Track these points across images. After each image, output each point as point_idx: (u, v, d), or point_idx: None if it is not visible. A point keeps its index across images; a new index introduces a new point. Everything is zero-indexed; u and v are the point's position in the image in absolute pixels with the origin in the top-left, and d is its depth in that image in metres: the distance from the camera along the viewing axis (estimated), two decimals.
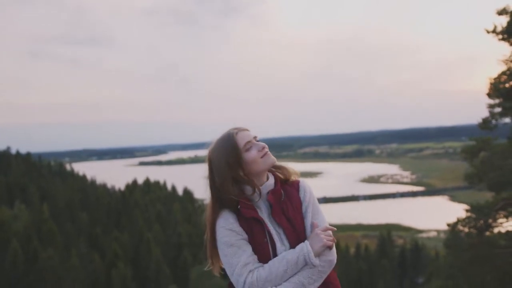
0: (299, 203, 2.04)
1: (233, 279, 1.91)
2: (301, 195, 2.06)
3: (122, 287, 40.34)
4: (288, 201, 2.03)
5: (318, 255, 1.93)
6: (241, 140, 2.05)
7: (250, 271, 1.88)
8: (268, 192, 2.02)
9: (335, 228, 2.04)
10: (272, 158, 2.05)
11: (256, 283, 1.87)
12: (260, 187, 2.00)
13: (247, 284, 1.87)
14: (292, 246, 1.95)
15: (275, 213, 1.98)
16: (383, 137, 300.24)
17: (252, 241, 1.95)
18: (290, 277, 1.90)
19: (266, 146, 2.06)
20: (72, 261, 39.61)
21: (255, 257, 1.92)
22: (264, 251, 1.93)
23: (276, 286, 1.88)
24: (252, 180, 2.00)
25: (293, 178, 2.15)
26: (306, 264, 1.91)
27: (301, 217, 2.02)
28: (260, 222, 1.96)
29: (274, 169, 2.11)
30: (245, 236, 1.95)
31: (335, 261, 1.99)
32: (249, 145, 2.04)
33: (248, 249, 1.93)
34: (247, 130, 2.09)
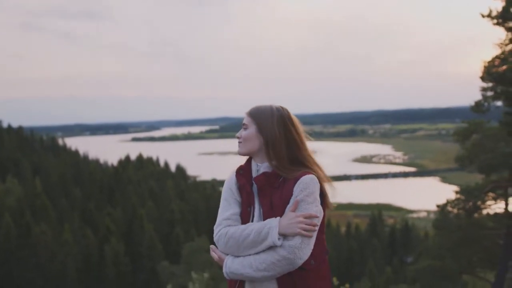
0: (290, 194, 2.01)
1: (214, 227, 2.10)
2: (295, 188, 2.01)
3: (114, 262, 40.64)
4: (279, 189, 2.04)
5: (282, 234, 1.94)
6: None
7: (227, 226, 2.05)
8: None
9: (317, 223, 1.99)
10: (238, 150, 2.16)
11: (223, 237, 2.01)
12: (259, 164, 2.13)
13: (217, 235, 2.05)
14: None
15: (261, 193, 2.06)
16: (377, 117, 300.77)
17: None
18: (246, 254, 1.97)
19: (241, 137, 2.15)
20: (65, 236, 39.80)
21: (238, 217, 2.07)
22: (245, 219, 2.06)
23: (232, 254, 2.00)
24: (254, 153, 2.15)
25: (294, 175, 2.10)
26: (267, 239, 1.93)
27: (285, 207, 2.00)
28: (251, 193, 2.08)
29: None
30: (239, 198, 2.11)
31: (300, 260, 1.94)
32: (245, 126, 2.18)
33: (236, 208, 2.09)
34: (246, 113, 2.19)
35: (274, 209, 2.01)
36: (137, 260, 42.95)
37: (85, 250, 41.22)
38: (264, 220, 2.01)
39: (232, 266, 1.98)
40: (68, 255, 38.54)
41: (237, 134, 2.18)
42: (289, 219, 1.95)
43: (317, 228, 2.00)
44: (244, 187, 2.09)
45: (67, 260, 38.28)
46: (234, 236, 1.99)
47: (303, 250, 1.94)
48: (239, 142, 2.15)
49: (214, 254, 2.08)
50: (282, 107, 2.18)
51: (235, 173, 2.15)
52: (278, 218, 1.97)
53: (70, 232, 40.95)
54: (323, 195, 2.09)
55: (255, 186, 2.08)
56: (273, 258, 1.93)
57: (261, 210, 2.04)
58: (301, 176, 2.03)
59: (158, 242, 44.16)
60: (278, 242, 1.92)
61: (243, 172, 2.13)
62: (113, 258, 40.58)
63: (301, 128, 2.16)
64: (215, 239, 2.05)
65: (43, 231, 38.29)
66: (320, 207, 2.03)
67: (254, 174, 2.11)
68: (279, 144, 2.08)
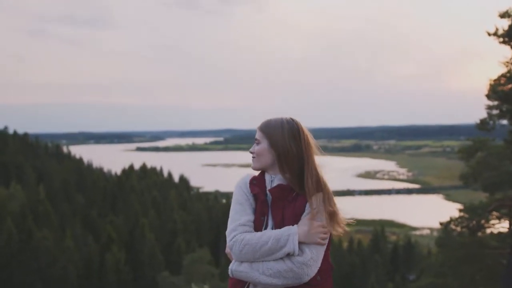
0: (302, 210, 2.06)
1: (227, 232, 2.05)
2: (307, 206, 2.05)
3: (115, 270, 40.51)
4: (292, 203, 2.07)
5: (301, 243, 1.98)
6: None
7: (243, 232, 2.02)
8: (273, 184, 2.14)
9: (327, 231, 2.06)
10: (252, 165, 2.18)
11: (238, 244, 1.98)
12: (273, 176, 2.14)
13: (232, 241, 2.00)
14: None
15: (274, 205, 2.07)
16: (382, 133, 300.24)
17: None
18: (262, 261, 1.98)
19: (254, 152, 2.17)
20: (66, 242, 39.77)
21: (253, 225, 2.05)
22: (257, 228, 2.05)
23: (248, 261, 1.98)
24: (267, 168, 2.17)
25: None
26: (286, 246, 1.95)
27: (295, 222, 2.03)
28: (265, 202, 2.08)
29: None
30: (254, 204, 2.10)
31: (307, 276, 1.99)
32: (257, 141, 2.21)
33: (251, 215, 2.07)
34: (258, 128, 2.21)
35: (284, 222, 2.03)
36: (137, 269, 42.80)
37: (86, 257, 41.15)
38: None
39: (240, 265, 1.99)
40: (69, 261, 38.49)
41: (251, 150, 2.21)
42: (309, 228, 2.00)
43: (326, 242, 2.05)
44: (259, 196, 2.09)
45: (68, 266, 38.21)
46: (250, 242, 1.98)
47: (311, 267, 1.98)
48: (253, 157, 2.18)
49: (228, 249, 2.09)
50: (292, 119, 2.19)
51: (248, 181, 2.15)
52: (295, 225, 2.00)
53: (72, 238, 40.92)
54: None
55: (269, 197, 2.09)
56: (280, 267, 1.96)
57: (273, 222, 2.05)
58: (314, 193, 2.06)
59: (159, 251, 44.05)
60: (297, 250, 1.96)
61: (256, 182, 2.13)
62: (113, 266, 40.46)
63: (311, 141, 2.19)
64: (229, 244, 2.02)
65: (44, 236, 38.29)
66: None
67: (268, 185, 2.13)
68: (291, 158, 2.10)
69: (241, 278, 2.01)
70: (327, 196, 2.09)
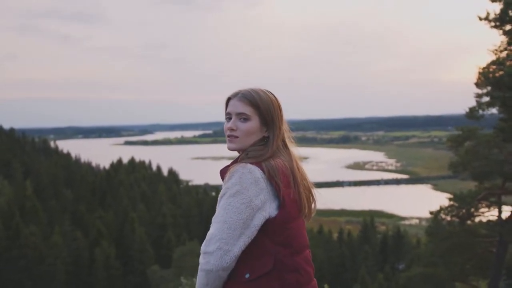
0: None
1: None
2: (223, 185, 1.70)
3: (105, 265, 40.28)
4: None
5: None
6: (230, 106, 1.81)
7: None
8: None
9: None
10: (230, 145, 1.77)
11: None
12: None
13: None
14: None
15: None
16: (370, 124, 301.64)
17: None
18: None
19: (237, 130, 1.75)
20: (55, 239, 39.40)
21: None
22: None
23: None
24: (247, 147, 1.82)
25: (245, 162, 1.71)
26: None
27: None
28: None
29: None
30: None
31: (210, 265, 1.62)
32: (228, 116, 1.81)
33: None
34: (243, 101, 1.76)
35: None
36: (127, 263, 42.60)
37: (75, 253, 40.84)
38: None
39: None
40: (57, 258, 38.14)
41: (230, 126, 1.75)
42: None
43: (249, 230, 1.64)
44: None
45: (57, 263, 37.89)
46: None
47: (213, 254, 1.61)
48: (233, 136, 1.75)
49: None
50: (271, 92, 1.84)
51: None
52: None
53: (60, 234, 40.56)
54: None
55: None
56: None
57: None
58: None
59: (149, 245, 43.86)
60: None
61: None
62: (103, 261, 40.22)
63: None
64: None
65: (32, 232, 37.89)
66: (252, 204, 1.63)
67: None
68: (280, 141, 1.78)
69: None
70: None
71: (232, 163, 1.74)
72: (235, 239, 1.61)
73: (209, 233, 1.65)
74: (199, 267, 1.66)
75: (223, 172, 1.75)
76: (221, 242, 1.60)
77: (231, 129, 1.75)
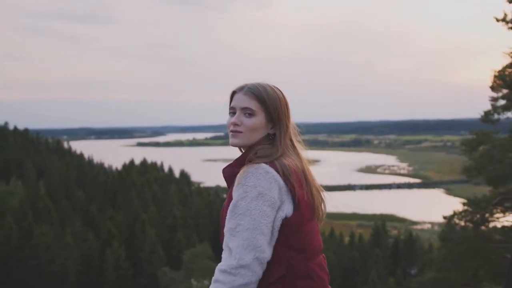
0: (231, 199, 1.59)
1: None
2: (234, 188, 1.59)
3: (115, 266, 40.41)
4: (230, 194, 1.63)
5: None
6: (234, 100, 1.71)
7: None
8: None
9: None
10: (233, 141, 1.68)
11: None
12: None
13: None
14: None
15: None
16: (382, 127, 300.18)
17: None
18: None
19: (242, 125, 1.65)
20: (66, 239, 39.64)
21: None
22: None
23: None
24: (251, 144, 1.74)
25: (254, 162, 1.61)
26: None
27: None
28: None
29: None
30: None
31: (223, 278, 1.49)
32: (232, 110, 1.71)
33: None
34: (249, 95, 1.66)
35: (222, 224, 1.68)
36: (138, 264, 42.71)
37: (86, 253, 41.03)
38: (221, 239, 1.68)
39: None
40: (68, 258, 38.36)
41: (234, 120, 1.66)
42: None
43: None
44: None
45: (68, 263, 38.09)
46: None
47: (250, 267, 1.48)
48: (237, 132, 1.66)
49: None
50: (279, 89, 1.74)
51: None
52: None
53: (72, 234, 40.79)
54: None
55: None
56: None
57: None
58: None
59: (160, 247, 43.93)
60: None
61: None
62: (114, 262, 40.36)
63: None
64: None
65: (44, 233, 38.14)
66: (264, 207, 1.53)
67: None
68: (287, 139, 1.69)
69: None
70: None
71: (235, 162, 1.68)
72: (269, 246, 1.52)
73: (232, 244, 1.50)
74: (222, 286, 1.48)
75: (226, 172, 1.69)
76: (257, 251, 1.48)
77: (235, 124, 1.66)
